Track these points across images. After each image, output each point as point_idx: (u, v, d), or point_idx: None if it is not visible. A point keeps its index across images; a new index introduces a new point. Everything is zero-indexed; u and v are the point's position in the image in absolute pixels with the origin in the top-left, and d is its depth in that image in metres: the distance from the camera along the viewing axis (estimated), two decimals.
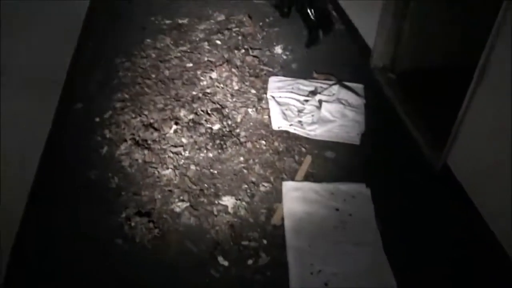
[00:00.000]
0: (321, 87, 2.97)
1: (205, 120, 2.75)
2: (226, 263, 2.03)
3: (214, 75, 3.11)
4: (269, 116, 2.78)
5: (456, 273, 1.99)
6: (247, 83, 3.05)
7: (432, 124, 2.59)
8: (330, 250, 2.04)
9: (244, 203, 2.30)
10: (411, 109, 2.76)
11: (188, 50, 3.38)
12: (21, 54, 2.37)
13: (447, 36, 2.74)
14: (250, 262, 2.04)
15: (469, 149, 2.18)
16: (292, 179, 2.42)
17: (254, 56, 3.30)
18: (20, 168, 2.24)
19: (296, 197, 2.30)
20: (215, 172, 2.47)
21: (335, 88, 2.92)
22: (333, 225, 2.16)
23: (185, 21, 3.74)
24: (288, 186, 2.36)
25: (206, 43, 3.45)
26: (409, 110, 2.76)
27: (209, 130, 2.69)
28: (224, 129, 2.70)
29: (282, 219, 2.21)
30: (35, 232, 2.16)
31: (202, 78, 3.10)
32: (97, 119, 2.79)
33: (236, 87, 3.01)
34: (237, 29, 3.62)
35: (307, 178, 2.43)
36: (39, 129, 2.51)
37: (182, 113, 2.80)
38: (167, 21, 3.74)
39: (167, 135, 2.66)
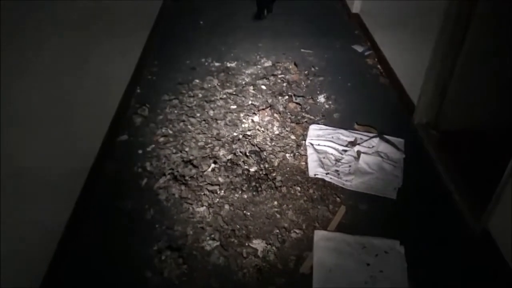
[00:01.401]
0: (361, 138, 2.97)
1: (243, 162, 2.80)
2: None
3: (256, 118, 3.19)
4: (306, 163, 2.80)
5: None
6: (287, 129, 3.10)
7: (474, 186, 2.52)
8: None
9: (274, 248, 2.29)
10: (453, 168, 2.70)
11: (234, 93, 3.50)
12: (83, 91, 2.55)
13: (493, 97, 2.71)
14: None
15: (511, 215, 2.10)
16: (325, 228, 2.40)
17: (297, 103, 3.36)
18: (63, 190, 2.35)
19: (327, 247, 2.27)
20: (248, 214, 2.49)
21: (375, 140, 2.92)
22: (363, 280, 2.11)
23: (233, 64, 3.89)
24: (320, 235, 2.34)
25: (251, 87, 3.56)
26: (450, 170, 2.70)
27: (246, 172, 2.73)
28: (260, 172, 2.74)
29: (311, 268, 2.18)
30: (70, 256, 2.23)
31: (244, 120, 3.18)
32: (140, 151, 2.90)
33: (276, 132, 3.07)
34: (282, 75, 3.72)
35: (340, 229, 2.40)
36: (86, 156, 2.64)
37: (222, 152, 2.87)
38: (217, 64, 3.90)
39: (205, 173, 2.72)
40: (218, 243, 2.31)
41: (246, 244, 2.31)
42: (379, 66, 3.88)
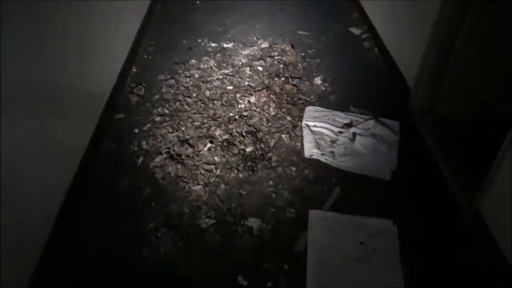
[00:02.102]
0: (356, 120, 2.99)
1: (239, 142, 2.81)
2: (245, 283, 2.05)
3: (252, 99, 3.19)
4: (302, 144, 2.81)
5: None
6: (283, 110, 3.11)
7: (467, 170, 2.55)
8: (350, 283, 2.02)
9: (269, 226, 2.32)
10: (447, 152, 2.73)
11: (230, 74, 3.49)
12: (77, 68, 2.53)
13: (491, 82, 2.72)
14: (269, 284, 2.04)
15: (503, 199, 2.13)
16: (319, 208, 2.43)
17: (293, 85, 3.36)
18: (60, 169, 2.35)
19: (322, 226, 2.30)
20: (244, 193, 2.51)
21: (371, 122, 2.93)
22: (356, 258, 2.14)
23: (230, 45, 3.87)
24: (314, 215, 2.36)
25: (248, 68, 3.55)
26: (444, 153, 2.73)
27: (242, 152, 2.75)
28: (256, 152, 2.76)
29: (306, 246, 2.21)
30: (66, 233, 2.24)
31: (240, 101, 3.18)
32: (136, 130, 2.90)
33: (272, 113, 3.08)
34: (279, 57, 3.71)
35: (335, 208, 2.43)
36: (83, 134, 2.64)
37: (218, 132, 2.88)
38: (213, 44, 3.88)
39: (201, 152, 2.73)
40: (214, 221, 2.33)
41: (242, 223, 2.34)
42: (376, 49, 3.87)
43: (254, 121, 3.00)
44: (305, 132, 2.89)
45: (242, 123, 2.97)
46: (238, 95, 3.24)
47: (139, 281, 2.06)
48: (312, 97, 3.27)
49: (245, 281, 2.06)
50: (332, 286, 2.01)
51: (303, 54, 3.79)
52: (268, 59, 3.67)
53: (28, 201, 1.99)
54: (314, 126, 2.94)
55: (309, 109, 3.10)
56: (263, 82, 3.39)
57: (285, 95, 3.27)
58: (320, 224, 2.31)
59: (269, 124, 2.98)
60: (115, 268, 2.10)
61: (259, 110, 3.10)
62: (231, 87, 3.33)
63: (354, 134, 2.86)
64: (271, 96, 3.22)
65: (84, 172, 2.53)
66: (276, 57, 3.71)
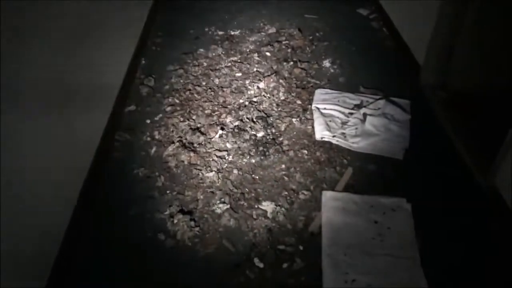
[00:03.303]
0: (367, 101, 2.98)
1: (250, 127, 2.83)
2: (261, 265, 2.07)
3: (261, 85, 3.20)
4: (313, 127, 2.82)
5: None
6: (293, 94, 3.11)
7: (482, 144, 2.53)
8: (366, 261, 2.04)
9: (283, 209, 2.34)
10: (460, 128, 2.70)
11: (239, 61, 3.49)
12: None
13: (503, 55, 2.68)
14: (285, 266, 2.07)
15: None
16: (332, 189, 2.44)
17: (302, 69, 3.36)
18: (76, 161, 2.40)
19: (335, 207, 2.31)
20: (257, 177, 2.53)
21: (381, 102, 2.92)
22: (371, 236, 2.15)
23: (237, 32, 3.87)
24: (327, 196, 2.38)
25: (256, 54, 3.55)
26: (457, 128, 2.71)
27: (253, 137, 2.76)
28: (267, 137, 2.77)
29: (320, 227, 2.23)
30: (84, 223, 2.30)
31: (250, 87, 3.19)
32: (148, 121, 2.93)
33: (282, 97, 3.08)
34: (286, 42, 3.70)
35: (347, 189, 2.44)
36: (96, 127, 2.68)
37: (228, 119, 2.90)
38: (220, 32, 3.88)
39: (213, 139, 2.75)
40: (228, 206, 2.36)
41: (256, 206, 2.36)
42: (384, 29, 3.84)
43: (264, 106, 3.01)
44: (316, 115, 2.89)
45: (252, 109, 2.99)
46: (247, 82, 3.25)
47: (157, 261, 2.10)
48: (321, 80, 3.26)
49: (261, 263, 2.09)
50: (347, 264, 2.02)
51: (311, 37, 3.77)
52: (276, 44, 3.67)
53: (47, 190, 2.04)
54: (324, 108, 2.94)
55: (318, 92, 3.09)
56: (272, 68, 3.39)
57: (294, 79, 3.27)
58: (333, 204, 2.32)
59: (279, 109, 2.99)
60: (135, 249, 2.15)
61: (268, 95, 3.11)
62: (240, 74, 3.34)
63: (364, 115, 2.85)
64: (280, 81, 3.22)
65: (99, 163, 2.57)
66: (283, 42, 3.70)
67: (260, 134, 2.78)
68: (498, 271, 2.02)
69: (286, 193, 2.43)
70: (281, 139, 2.76)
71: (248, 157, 2.64)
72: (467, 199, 2.36)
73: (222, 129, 2.82)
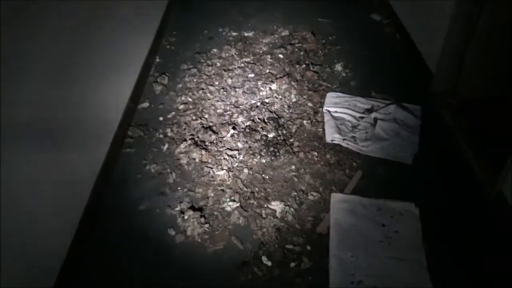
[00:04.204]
0: (377, 105, 3.00)
1: (261, 128, 2.87)
2: (269, 263, 2.11)
3: (274, 86, 3.23)
4: (323, 129, 2.85)
5: None
6: (305, 97, 3.14)
7: (490, 151, 2.54)
8: (373, 263, 2.06)
9: (292, 209, 2.38)
10: (469, 134, 2.72)
11: (251, 62, 3.53)
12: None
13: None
14: (292, 265, 2.10)
15: None
16: (341, 191, 2.47)
17: (314, 72, 3.39)
18: (91, 157, 2.45)
19: (344, 209, 2.34)
20: (267, 177, 2.57)
21: (392, 107, 2.94)
22: (378, 239, 2.18)
23: (250, 34, 3.91)
24: (336, 198, 2.41)
25: (269, 56, 3.59)
26: (466, 135, 2.72)
27: (264, 138, 2.80)
28: (278, 138, 2.80)
29: (328, 228, 2.26)
30: (96, 218, 2.35)
31: (262, 88, 3.22)
32: (161, 118, 2.98)
33: (294, 99, 3.11)
34: (299, 44, 3.73)
35: (356, 192, 2.47)
36: (110, 122, 2.73)
37: (240, 119, 2.94)
38: (234, 33, 3.92)
39: (224, 138, 2.80)
40: (238, 204, 2.40)
41: (265, 206, 2.40)
42: (397, 34, 3.85)
43: (275, 107, 3.05)
44: (326, 117, 2.92)
45: (264, 109, 3.02)
46: (259, 83, 3.28)
47: (167, 256, 2.15)
48: (333, 83, 3.29)
49: (269, 261, 2.12)
50: (354, 266, 2.05)
51: (323, 41, 3.80)
52: (289, 47, 3.70)
53: (62, 189, 2.09)
54: (335, 111, 2.97)
55: (330, 95, 3.12)
56: (284, 70, 3.42)
57: (306, 82, 3.30)
58: (342, 206, 2.35)
59: (290, 111, 3.02)
60: (145, 244, 2.20)
61: (280, 97, 3.14)
62: (252, 75, 3.37)
63: (375, 119, 2.88)
64: (292, 83, 3.26)
65: (112, 159, 2.62)
66: (296, 45, 3.73)
67: (271, 135, 2.82)
68: (506, 274, 2.03)
69: (295, 193, 2.47)
70: (291, 140, 2.80)
71: (259, 157, 2.68)
72: (475, 205, 2.37)
73: (234, 128, 2.86)
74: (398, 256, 2.08)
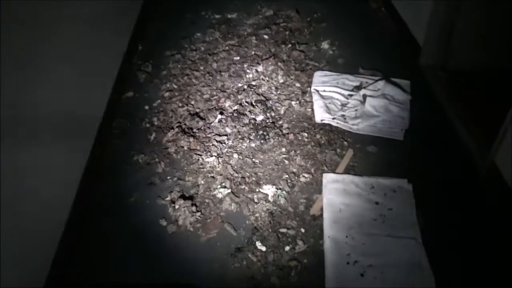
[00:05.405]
0: (366, 82, 2.95)
1: (249, 111, 2.81)
2: (263, 248, 2.08)
3: (260, 68, 3.17)
4: (312, 109, 2.80)
5: (499, 272, 1.94)
6: (292, 77, 3.08)
7: (481, 124, 2.52)
8: (367, 242, 2.04)
9: (284, 192, 2.34)
10: (460, 108, 2.69)
11: (236, 44, 3.46)
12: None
13: (504, 34, 2.65)
14: (287, 248, 2.08)
15: None
16: (333, 171, 2.44)
17: (301, 51, 3.32)
18: (76, 149, 2.40)
19: (336, 188, 2.31)
20: (257, 161, 2.53)
21: (381, 83, 2.89)
22: (372, 217, 2.16)
23: (234, 15, 3.82)
24: (328, 178, 2.37)
25: (253, 37, 3.51)
26: (457, 108, 2.69)
27: (252, 121, 2.75)
28: (267, 120, 2.76)
29: (321, 209, 2.23)
30: (84, 211, 2.30)
31: (248, 71, 3.16)
32: (147, 107, 2.92)
33: (281, 80, 3.05)
34: (284, 24, 3.66)
35: (348, 171, 2.44)
36: (94, 114, 2.67)
37: (227, 104, 2.88)
38: (217, 16, 3.83)
39: (212, 124, 2.74)
40: (229, 190, 2.36)
41: (257, 190, 2.36)
42: (383, 9, 3.78)
43: (263, 90, 2.99)
44: (315, 97, 2.87)
45: (251, 92, 2.96)
46: (245, 65, 3.22)
47: (160, 247, 2.12)
48: (320, 62, 3.23)
49: (263, 246, 2.10)
50: (349, 246, 2.03)
51: (308, 19, 3.73)
52: (274, 27, 3.62)
53: (50, 187, 2.04)
54: (324, 90, 2.92)
55: (317, 74, 3.07)
56: (270, 50, 3.36)
57: (292, 61, 3.24)
58: (334, 186, 2.32)
59: (278, 92, 2.97)
60: (137, 236, 2.17)
61: (267, 78, 3.08)
62: (238, 58, 3.30)
63: (364, 96, 2.83)
64: (279, 63, 3.20)
65: (99, 150, 2.56)
66: (281, 24, 3.65)
67: (260, 118, 2.77)
68: (497, 246, 2.03)
69: (287, 176, 2.43)
70: (280, 122, 2.75)
71: (248, 141, 2.63)
72: (467, 178, 2.35)
73: (221, 113, 2.80)
74: (393, 233, 2.06)
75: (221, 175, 2.45)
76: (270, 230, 2.16)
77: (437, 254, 1.99)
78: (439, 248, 2.02)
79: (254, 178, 2.43)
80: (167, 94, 3.00)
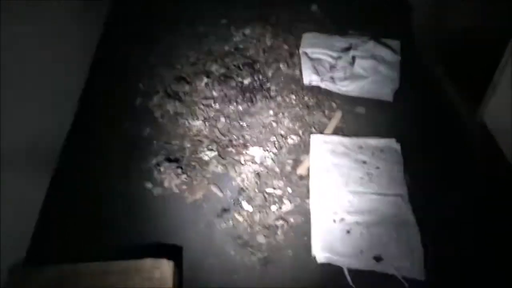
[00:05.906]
0: (355, 43, 2.89)
1: (236, 75, 2.76)
2: (250, 209, 2.07)
3: (247, 31, 3.09)
4: (301, 72, 2.75)
5: (481, 231, 1.95)
6: (280, 39, 3.01)
7: (471, 83, 2.48)
8: (354, 200, 2.03)
9: (271, 154, 2.32)
10: (450, 68, 2.65)
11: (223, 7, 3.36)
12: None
13: None
14: (274, 208, 2.07)
15: (506, 107, 2.08)
16: (321, 132, 2.41)
17: (289, 12, 3.24)
18: (59, 112, 2.35)
19: (324, 149, 2.29)
20: (244, 124, 2.49)
21: (370, 44, 2.83)
22: (359, 176, 2.14)
23: None
24: (316, 139, 2.35)
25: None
26: (447, 70, 2.65)
27: (239, 84, 2.70)
28: (254, 83, 2.70)
29: (308, 169, 2.21)
30: (69, 176, 2.27)
31: (235, 34, 3.08)
32: (132, 71, 2.85)
33: (268, 43, 2.99)
34: None
35: (337, 132, 2.41)
36: (77, 76, 2.61)
37: (214, 67, 2.82)
38: None
39: (198, 88, 2.69)
40: (216, 153, 2.33)
41: (244, 152, 2.33)
42: None
43: (250, 53, 2.93)
44: (303, 59, 2.82)
45: (238, 55, 2.90)
46: (232, 28, 3.14)
47: (146, 209, 2.10)
48: (308, 23, 3.15)
49: (250, 206, 2.09)
50: (335, 203, 2.02)
51: None
52: None
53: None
54: (312, 52, 2.86)
55: (306, 36, 3.00)
56: (257, 13, 3.27)
57: (281, 24, 3.16)
58: (322, 147, 2.30)
59: (266, 55, 2.91)
60: (122, 199, 2.14)
61: (254, 41, 3.01)
62: (225, 21, 3.21)
63: (353, 58, 2.77)
64: (267, 26, 3.12)
65: (83, 116, 2.52)
66: None
67: (247, 81, 2.72)
68: (481, 203, 2.03)
69: (275, 138, 2.40)
70: (268, 85, 2.70)
71: (235, 104, 2.59)
72: (457, 138, 2.34)
73: (208, 77, 2.75)
74: (380, 191, 2.05)
75: (207, 138, 2.42)
76: (256, 191, 2.15)
77: (424, 211, 1.99)
78: (426, 205, 2.02)
79: (241, 141, 2.40)
80: (152, 58, 2.93)
